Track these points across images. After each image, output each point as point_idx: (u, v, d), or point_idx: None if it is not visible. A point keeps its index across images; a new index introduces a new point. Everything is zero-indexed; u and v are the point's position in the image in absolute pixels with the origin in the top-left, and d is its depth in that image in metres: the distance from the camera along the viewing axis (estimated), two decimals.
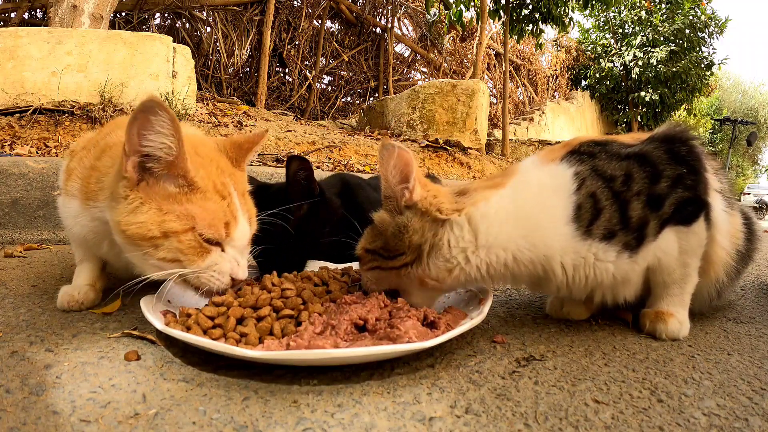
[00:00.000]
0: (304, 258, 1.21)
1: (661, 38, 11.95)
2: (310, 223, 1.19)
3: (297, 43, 7.41)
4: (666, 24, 11.92)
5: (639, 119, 13.18)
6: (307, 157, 3.84)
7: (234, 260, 0.87)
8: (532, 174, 0.96)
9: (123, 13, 6.04)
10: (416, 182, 0.90)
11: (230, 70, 6.77)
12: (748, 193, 17.23)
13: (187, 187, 0.83)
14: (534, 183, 0.93)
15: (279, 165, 3.20)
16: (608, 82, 13.02)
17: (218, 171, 0.88)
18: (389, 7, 8.28)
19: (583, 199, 0.90)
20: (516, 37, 7.06)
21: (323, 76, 8.03)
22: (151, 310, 0.83)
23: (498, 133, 7.48)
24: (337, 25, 8.10)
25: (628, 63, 12.31)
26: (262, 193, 1.16)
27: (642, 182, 0.91)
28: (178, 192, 0.82)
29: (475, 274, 0.90)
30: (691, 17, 11.92)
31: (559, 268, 0.91)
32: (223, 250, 0.86)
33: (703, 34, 12.42)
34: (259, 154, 3.46)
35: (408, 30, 9.02)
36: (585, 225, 0.89)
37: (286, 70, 7.56)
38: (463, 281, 0.92)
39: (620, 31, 12.95)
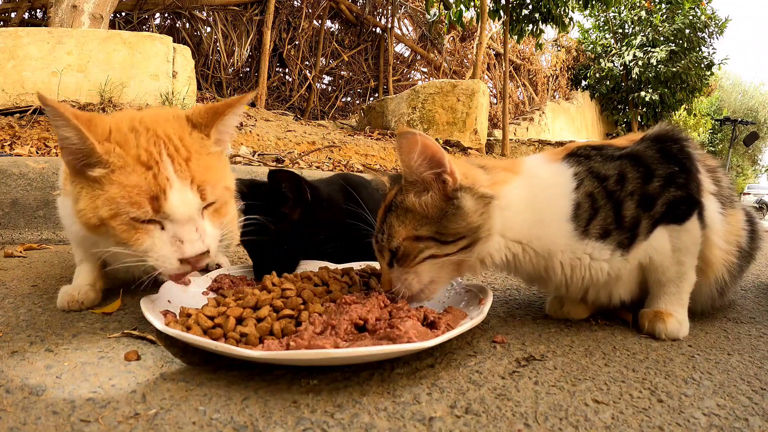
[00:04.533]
0: (296, 260, 1.21)
1: (661, 38, 11.96)
2: (304, 227, 1.18)
3: (297, 43, 7.41)
4: (666, 24, 11.93)
5: (639, 119, 13.19)
6: (306, 157, 3.84)
7: (175, 239, 0.79)
8: (540, 169, 0.97)
9: (123, 13, 6.04)
10: (452, 165, 0.86)
11: (230, 70, 6.77)
12: (748, 193, 17.21)
13: (106, 168, 0.78)
14: (542, 178, 0.95)
15: (279, 165, 3.20)
16: (608, 82, 13.03)
17: (150, 141, 0.80)
18: (389, 7, 8.28)
19: (581, 198, 0.92)
20: (516, 37, 7.07)
21: (323, 76, 8.03)
22: (151, 310, 0.82)
23: (498, 133, 7.48)
24: (337, 25, 8.11)
25: (628, 63, 12.31)
26: (256, 191, 1.17)
27: (635, 182, 0.93)
28: (101, 176, 0.78)
29: (498, 261, 0.92)
30: (691, 17, 11.92)
31: (559, 267, 0.93)
32: (163, 228, 0.79)
33: (703, 34, 12.43)
34: (259, 154, 3.46)
35: (408, 30, 9.03)
36: (583, 224, 0.91)
37: (286, 70, 7.56)
38: (487, 266, 0.93)
39: (620, 31, 12.96)
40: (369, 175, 1.03)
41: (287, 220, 1.16)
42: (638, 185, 0.93)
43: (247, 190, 1.17)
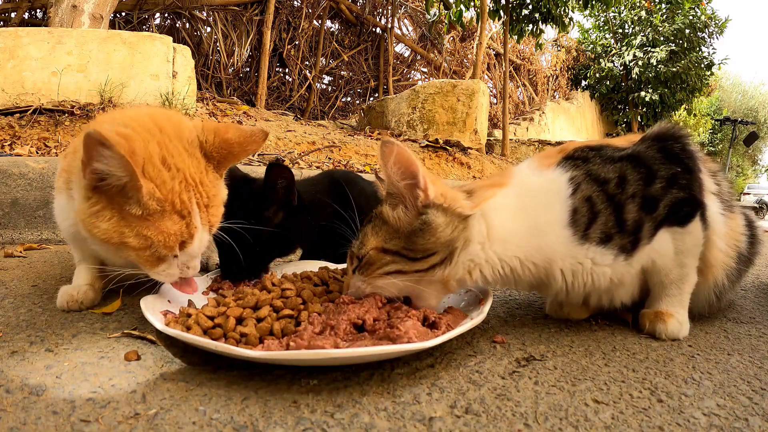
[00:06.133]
0: (265, 264, 1.17)
1: (661, 38, 11.96)
2: (284, 232, 1.14)
3: (297, 43, 7.41)
4: (666, 24, 11.93)
5: (639, 119, 13.19)
6: (306, 157, 3.84)
7: (184, 265, 0.88)
8: (530, 178, 0.95)
9: (123, 13, 6.04)
10: (426, 180, 0.86)
11: (230, 70, 6.77)
12: (748, 193, 17.22)
13: (143, 209, 0.81)
14: (532, 187, 0.93)
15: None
16: (608, 82, 13.02)
17: (182, 185, 0.84)
18: (389, 7, 8.28)
19: (579, 203, 0.90)
20: (516, 37, 7.07)
21: (323, 76, 8.03)
22: (151, 310, 0.83)
23: (498, 133, 7.48)
24: (337, 25, 8.10)
25: (628, 63, 12.31)
26: (242, 188, 1.12)
27: (636, 184, 0.91)
28: (136, 212, 0.81)
29: (489, 273, 0.90)
30: (691, 17, 11.93)
31: (559, 274, 0.91)
32: (175, 256, 0.87)
33: (703, 34, 12.43)
34: (259, 154, 3.46)
35: (408, 30, 9.03)
36: (582, 229, 0.89)
37: (286, 70, 7.56)
38: (477, 281, 0.91)
39: (620, 31, 12.96)
40: (374, 181, 1.00)
41: (266, 223, 1.11)
42: (640, 187, 0.91)
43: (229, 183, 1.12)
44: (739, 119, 15.56)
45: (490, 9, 6.64)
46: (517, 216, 0.90)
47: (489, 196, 0.91)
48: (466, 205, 0.88)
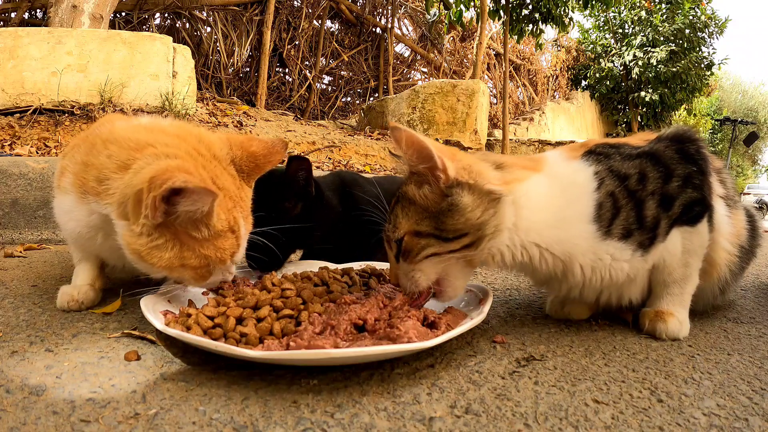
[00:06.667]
0: (284, 255, 1.20)
1: (661, 38, 11.96)
2: (302, 223, 1.17)
3: (297, 43, 7.41)
4: (666, 24, 11.93)
5: (639, 119, 13.19)
6: (307, 156, 3.84)
7: (227, 272, 0.92)
8: (561, 167, 0.95)
9: (123, 13, 6.04)
10: (444, 159, 0.83)
11: (230, 70, 6.77)
12: (748, 193, 17.22)
13: (210, 231, 0.85)
14: (562, 176, 0.93)
15: (279, 164, 3.20)
16: (608, 82, 13.02)
17: (232, 204, 0.90)
18: (389, 7, 8.28)
19: (603, 197, 0.90)
20: (516, 37, 7.06)
21: (323, 76, 8.03)
22: (151, 310, 0.83)
23: (498, 133, 7.48)
24: (337, 25, 8.10)
25: (628, 63, 12.31)
26: (262, 180, 1.13)
27: (656, 182, 0.92)
28: (202, 236, 0.85)
29: (509, 260, 0.89)
30: (691, 17, 11.93)
31: (578, 269, 0.91)
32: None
33: (703, 34, 12.44)
34: None
35: (408, 30, 9.03)
36: (606, 225, 0.89)
37: (286, 70, 7.56)
38: (497, 264, 0.90)
39: (620, 31, 12.96)
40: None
41: (287, 214, 1.15)
42: (659, 185, 0.92)
43: None
44: (739, 119, 15.53)
45: (490, 9, 6.64)
46: (546, 207, 0.89)
47: (522, 178, 0.89)
48: (494, 179, 0.86)
